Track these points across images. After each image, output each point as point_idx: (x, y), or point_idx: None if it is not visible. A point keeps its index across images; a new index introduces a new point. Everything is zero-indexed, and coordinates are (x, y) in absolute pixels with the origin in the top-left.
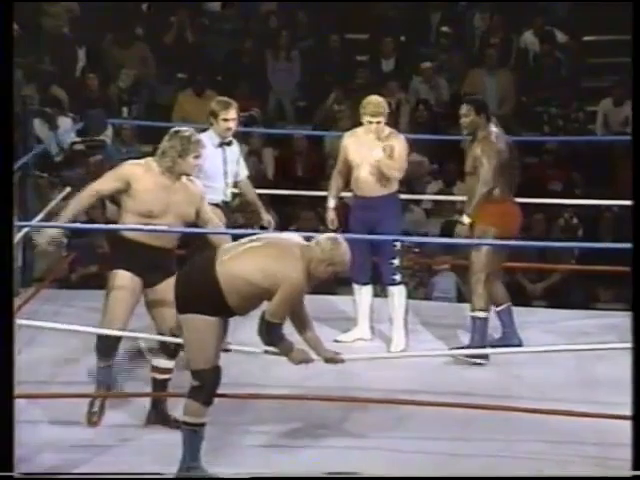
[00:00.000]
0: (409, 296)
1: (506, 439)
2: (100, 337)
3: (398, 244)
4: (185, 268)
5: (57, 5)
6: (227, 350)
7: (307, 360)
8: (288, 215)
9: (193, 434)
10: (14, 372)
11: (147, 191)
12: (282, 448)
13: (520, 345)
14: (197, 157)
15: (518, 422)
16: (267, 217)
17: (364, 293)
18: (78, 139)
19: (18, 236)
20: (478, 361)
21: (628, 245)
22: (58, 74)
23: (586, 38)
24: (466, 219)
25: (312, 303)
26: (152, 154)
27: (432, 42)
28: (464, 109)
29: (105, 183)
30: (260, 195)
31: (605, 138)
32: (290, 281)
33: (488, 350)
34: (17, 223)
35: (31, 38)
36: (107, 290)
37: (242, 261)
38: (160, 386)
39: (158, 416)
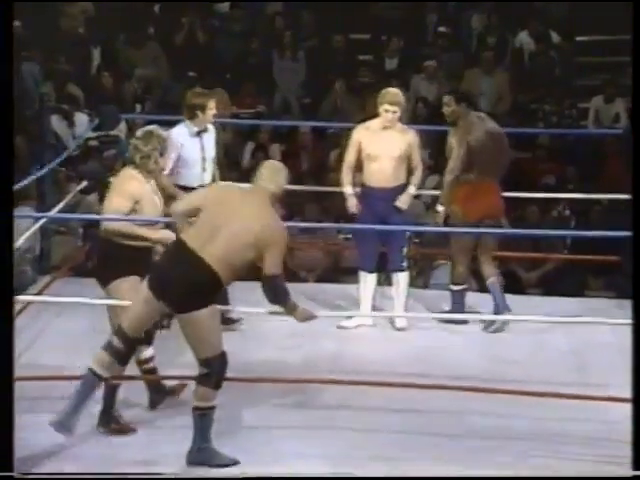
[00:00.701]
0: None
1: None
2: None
3: (407, 233)
4: (168, 271)
5: (73, 6)
6: (233, 321)
7: (311, 317)
8: (293, 207)
9: (204, 417)
10: (14, 372)
11: (150, 203)
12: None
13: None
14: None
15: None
16: None
17: (369, 281)
18: (93, 135)
19: (36, 226)
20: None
21: (617, 233)
22: (74, 72)
23: (579, 38)
24: (440, 207)
25: (315, 290)
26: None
27: (431, 42)
28: (445, 99)
29: (124, 203)
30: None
31: (595, 131)
32: (278, 233)
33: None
34: (36, 214)
35: (49, 38)
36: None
37: (227, 239)
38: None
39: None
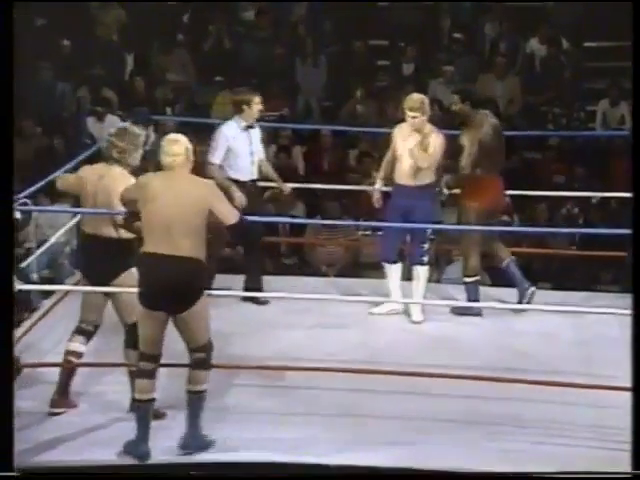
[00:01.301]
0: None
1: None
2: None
3: (429, 230)
4: (158, 285)
5: (108, 15)
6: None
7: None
8: (315, 205)
9: (203, 400)
10: (14, 374)
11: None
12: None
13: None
14: (143, 147)
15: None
16: (286, 187)
17: (394, 270)
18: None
19: (73, 222)
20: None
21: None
22: (109, 77)
23: (587, 44)
24: (445, 190)
25: (335, 283)
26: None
27: (446, 48)
28: (454, 99)
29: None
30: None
31: (603, 133)
32: (211, 188)
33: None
34: (72, 210)
35: (85, 45)
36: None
37: (183, 224)
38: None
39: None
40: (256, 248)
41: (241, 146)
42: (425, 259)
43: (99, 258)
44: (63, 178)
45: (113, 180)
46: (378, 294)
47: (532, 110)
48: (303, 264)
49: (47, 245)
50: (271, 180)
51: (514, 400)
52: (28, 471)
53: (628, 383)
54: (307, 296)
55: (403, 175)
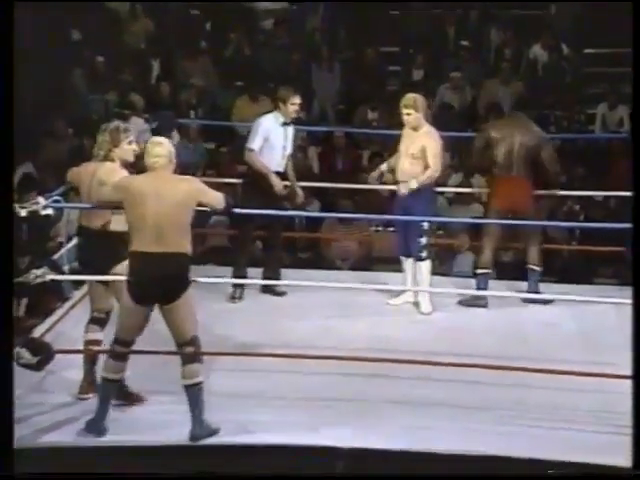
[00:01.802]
0: (433, 271)
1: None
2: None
3: (426, 225)
4: (148, 281)
5: (136, 25)
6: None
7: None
8: (329, 203)
9: (201, 391)
10: (14, 375)
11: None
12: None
13: None
14: (130, 142)
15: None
16: (300, 192)
17: (406, 263)
18: (152, 137)
19: None
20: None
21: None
22: (136, 82)
23: (586, 51)
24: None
25: (349, 276)
26: (215, 150)
27: (453, 55)
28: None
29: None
30: (305, 186)
31: (602, 135)
32: (195, 182)
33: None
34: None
35: (114, 52)
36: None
37: (169, 220)
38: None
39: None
40: (276, 242)
41: (276, 139)
42: (423, 254)
43: (95, 250)
44: (71, 171)
45: (104, 174)
46: (389, 286)
47: (535, 113)
48: (319, 258)
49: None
50: (289, 179)
51: (518, 386)
52: (28, 471)
53: (626, 370)
54: (323, 284)
55: (399, 172)
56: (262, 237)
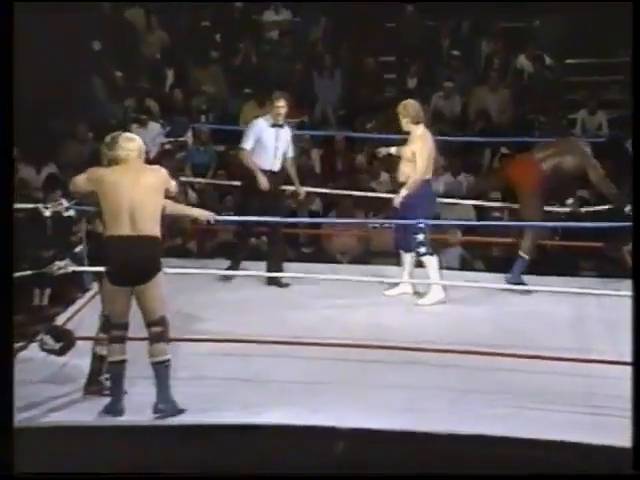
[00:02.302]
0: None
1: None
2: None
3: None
4: (124, 264)
5: (152, 36)
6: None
7: (209, 215)
8: (330, 201)
9: (168, 368)
10: (14, 375)
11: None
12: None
13: None
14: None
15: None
16: (301, 191)
17: (408, 257)
18: (166, 140)
19: None
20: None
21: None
22: (152, 89)
23: (568, 61)
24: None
25: (349, 269)
26: (225, 153)
27: (445, 64)
28: None
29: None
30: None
31: (584, 140)
32: (163, 171)
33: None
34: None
35: (132, 62)
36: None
37: (143, 205)
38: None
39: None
40: (277, 237)
41: (268, 139)
42: (421, 249)
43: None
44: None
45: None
46: (385, 278)
47: (521, 118)
48: (320, 252)
49: None
50: (291, 179)
51: (505, 371)
52: (28, 472)
53: (608, 355)
54: (324, 276)
55: (398, 173)
56: (265, 233)
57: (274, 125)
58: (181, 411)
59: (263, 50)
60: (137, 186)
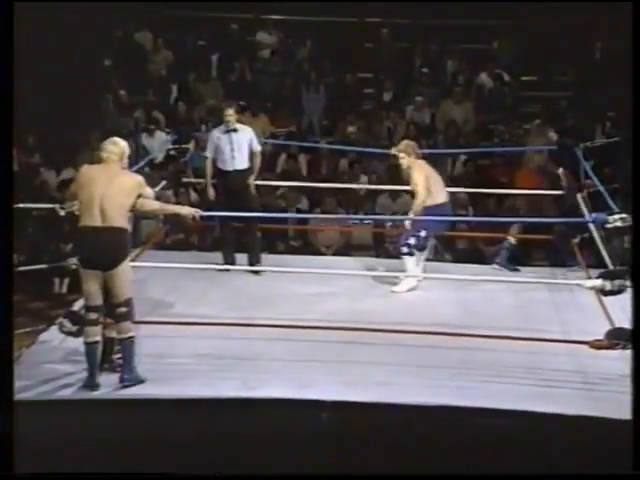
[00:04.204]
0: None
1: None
2: None
3: (422, 232)
4: (93, 250)
5: (158, 55)
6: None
7: (193, 212)
8: (316, 200)
9: (132, 344)
10: (14, 376)
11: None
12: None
13: None
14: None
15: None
16: (252, 181)
17: (411, 261)
18: (172, 147)
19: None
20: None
21: (552, 220)
22: (158, 102)
23: (523, 78)
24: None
25: (332, 261)
26: None
27: (416, 80)
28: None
29: None
30: (297, 187)
31: (535, 147)
32: (139, 177)
33: None
34: None
35: (140, 78)
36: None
37: (114, 201)
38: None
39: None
40: (252, 231)
41: (223, 145)
42: (404, 249)
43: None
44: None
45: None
46: (367, 270)
47: (482, 128)
48: (307, 245)
49: None
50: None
51: (467, 349)
52: (28, 472)
53: (553, 335)
54: (301, 270)
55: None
56: (241, 228)
57: (227, 131)
58: (142, 381)
59: (256, 67)
60: (111, 184)
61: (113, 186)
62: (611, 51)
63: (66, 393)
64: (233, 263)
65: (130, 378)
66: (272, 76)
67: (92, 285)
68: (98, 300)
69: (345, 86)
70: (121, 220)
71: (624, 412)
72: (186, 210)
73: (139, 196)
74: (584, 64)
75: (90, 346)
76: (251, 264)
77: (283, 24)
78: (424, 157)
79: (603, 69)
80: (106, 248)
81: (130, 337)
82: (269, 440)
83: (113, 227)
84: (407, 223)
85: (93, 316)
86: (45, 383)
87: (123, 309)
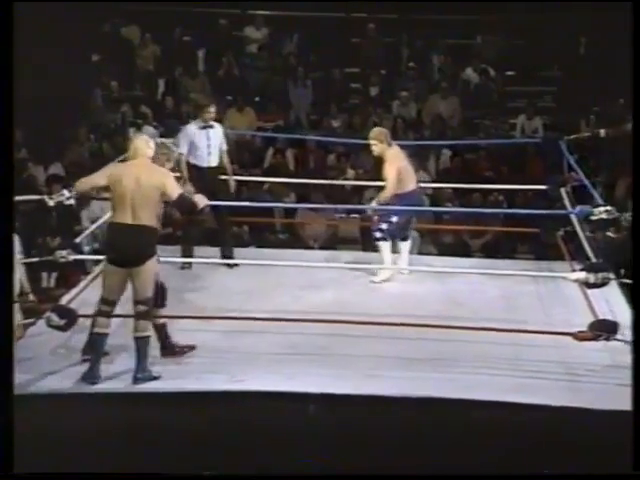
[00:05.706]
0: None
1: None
2: None
3: (394, 218)
4: (123, 247)
5: (146, 50)
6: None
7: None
8: (303, 194)
9: (147, 344)
10: (14, 376)
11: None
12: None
13: None
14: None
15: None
16: (233, 182)
17: (401, 245)
18: (159, 141)
19: None
20: None
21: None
22: (145, 97)
23: (508, 73)
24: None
25: (319, 254)
26: None
27: (403, 74)
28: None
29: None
30: (284, 182)
31: (521, 140)
32: (164, 171)
33: None
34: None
35: (128, 73)
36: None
37: (144, 199)
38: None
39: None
40: (225, 225)
41: (199, 140)
42: (377, 234)
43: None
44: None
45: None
46: (355, 262)
47: (468, 122)
48: (295, 239)
49: (96, 225)
50: (227, 172)
51: (452, 341)
52: (28, 472)
53: (535, 326)
54: (283, 263)
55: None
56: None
57: (204, 127)
58: (155, 378)
59: (243, 62)
60: (141, 181)
61: (142, 183)
62: (596, 46)
63: (56, 386)
64: (231, 257)
65: (143, 377)
66: (259, 71)
67: (113, 281)
68: (115, 295)
69: (332, 81)
70: (150, 218)
71: (607, 403)
72: (202, 200)
73: (166, 189)
74: (569, 59)
75: (97, 337)
76: (223, 257)
77: (270, 19)
78: (408, 149)
79: (588, 64)
80: (134, 245)
81: (146, 336)
82: (256, 432)
83: (143, 225)
84: (373, 205)
85: (107, 308)
86: (36, 377)
87: (143, 307)
